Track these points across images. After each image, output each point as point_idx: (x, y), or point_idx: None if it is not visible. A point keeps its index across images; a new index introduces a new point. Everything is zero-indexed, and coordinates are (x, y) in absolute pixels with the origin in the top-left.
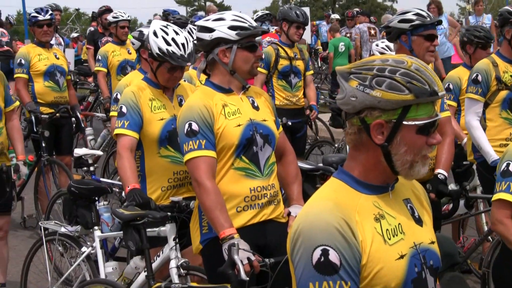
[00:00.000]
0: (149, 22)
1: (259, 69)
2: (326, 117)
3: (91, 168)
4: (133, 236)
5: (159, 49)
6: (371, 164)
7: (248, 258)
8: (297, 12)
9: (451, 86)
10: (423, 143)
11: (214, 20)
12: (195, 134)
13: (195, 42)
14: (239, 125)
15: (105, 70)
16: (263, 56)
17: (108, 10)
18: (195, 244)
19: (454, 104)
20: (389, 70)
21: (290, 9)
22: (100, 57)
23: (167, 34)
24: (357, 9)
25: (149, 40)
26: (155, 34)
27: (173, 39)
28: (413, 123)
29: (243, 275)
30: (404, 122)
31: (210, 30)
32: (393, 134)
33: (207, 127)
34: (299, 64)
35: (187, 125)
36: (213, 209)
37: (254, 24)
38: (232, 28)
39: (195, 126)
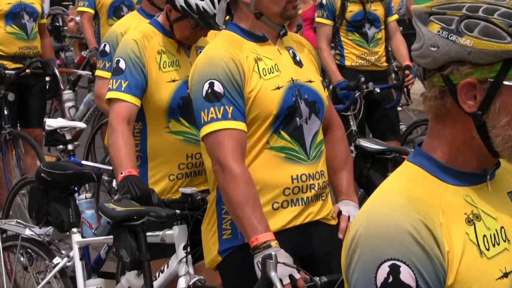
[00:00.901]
0: None
1: (321, 19)
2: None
3: (70, 147)
4: (128, 243)
5: (186, 2)
6: (459, 142)
7: (291, 276)
8: None
9: None
10: None
11: None
12: (218, 98)
13: None
14: (278, 88)
15: (91, 11)
16: (324, 2)
17: None
18: (210, 255)
19: None
20: (484, 9)
21: None
22: None
23: None
24: None
25: None
26: None
27: None
28: None
29: None
30: (505, 82)
31: None
32: (490, 98)
33: (236, 89)
34: (377, 8)
35: (207, 85)
36: (243, 204)
37: None
38: None
39: (218, 87)
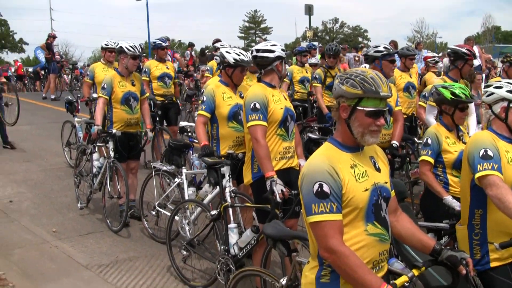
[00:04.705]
0: (214, 42)
1: (315, 84)
2: None
3: (189, 134)
4: (213, 174)
5: (234, 59)
6: (344, 132)
7: (282, 190)
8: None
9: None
10: (371, 123)
11: (272, 46)
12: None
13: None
14: (281, 108)
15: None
16: (316, 76)
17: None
18: (247, 178)
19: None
20: (354, 75)
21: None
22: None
23: (233, 52)
24: (347, 46)
25: (226, 56)
26: (227, 52)
27: (239, 53)
28: (363, 109)
29: (278, 199)
30: (357, 107)
31: (272, 51)
32: (352, 113)
33: (265, 106)
34: None
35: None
36: (264, 157)
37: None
38: (282, 50)
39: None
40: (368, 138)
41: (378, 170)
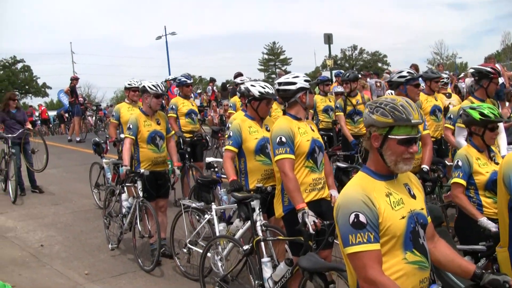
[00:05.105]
0: (235, 77)
1: (338, 113)
2: None
3: (216, 169)
4: (243, 209)
5: (260, 92)
6: (377, 161)
7: (314, 221)
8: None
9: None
10: (404, 150)
11: (293, 78)
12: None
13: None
14: (308, 140)
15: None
16: (338, 105)
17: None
18: (278, 212)
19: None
20: (384, 104)
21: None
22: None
23: (258, 85)
24: (370, 72)
25: (251, 90)
26: (252, 85)
27: (264, 86)
28: (394, 137)
29: (311, 230)
30: (389, 136)
31: (294, 83)
32: (383, 142)
33: (291, 139)
34: (361, 107)
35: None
36: (294, 190)
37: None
38: (306, 81)
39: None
40: (401, 166)
41: (414, 197)
